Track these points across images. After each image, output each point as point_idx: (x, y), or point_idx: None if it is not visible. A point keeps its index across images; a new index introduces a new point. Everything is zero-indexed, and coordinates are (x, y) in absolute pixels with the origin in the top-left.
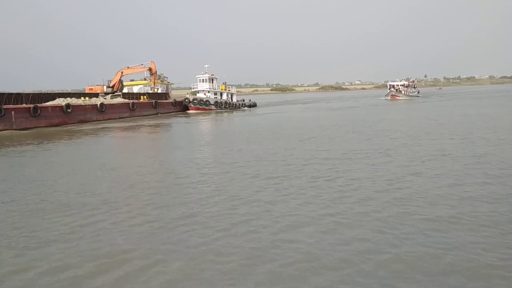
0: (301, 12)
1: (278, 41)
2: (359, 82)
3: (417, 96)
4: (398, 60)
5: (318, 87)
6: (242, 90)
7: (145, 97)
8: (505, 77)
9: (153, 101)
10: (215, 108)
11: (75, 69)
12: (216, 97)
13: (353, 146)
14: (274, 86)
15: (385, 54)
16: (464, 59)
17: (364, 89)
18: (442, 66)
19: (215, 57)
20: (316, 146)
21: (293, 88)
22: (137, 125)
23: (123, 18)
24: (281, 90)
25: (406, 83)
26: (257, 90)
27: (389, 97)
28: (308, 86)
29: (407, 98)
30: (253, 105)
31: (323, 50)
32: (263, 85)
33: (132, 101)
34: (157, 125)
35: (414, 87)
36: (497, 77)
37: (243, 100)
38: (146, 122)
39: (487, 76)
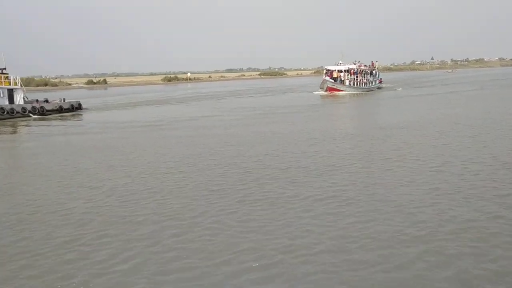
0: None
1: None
2: None
3: (378, 88)
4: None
5: (313, 71)
6: (226, 75)
7: None
8: None
9: None
10: None
11: None
12: None
13: None
14: (277, 70)
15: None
16: (473, 40)
17: None
18: (449, 48)
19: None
20: None
21: (285, 72)
22: None
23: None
24: (271, 75)
25: (353, 67)
26: (244, 75)
27: (324, 91)
28: (312, 69)
29: (356, 92)
30: (72, 109)
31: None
32: (266, 68)
33: None
34: None
35: (372, 74)
36: (507, 59)
37: (44, 101)
38: None
39: (497, 58)
